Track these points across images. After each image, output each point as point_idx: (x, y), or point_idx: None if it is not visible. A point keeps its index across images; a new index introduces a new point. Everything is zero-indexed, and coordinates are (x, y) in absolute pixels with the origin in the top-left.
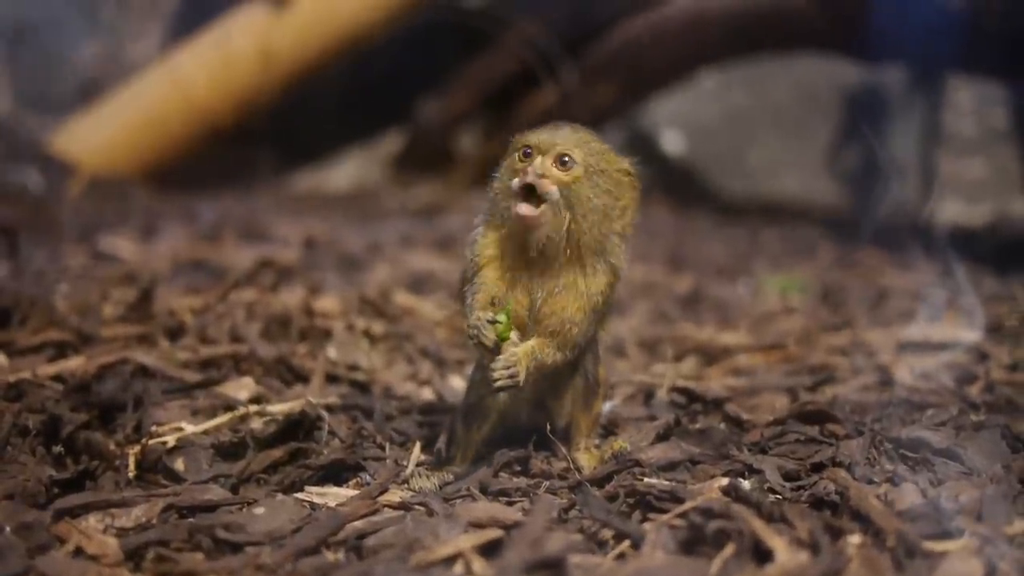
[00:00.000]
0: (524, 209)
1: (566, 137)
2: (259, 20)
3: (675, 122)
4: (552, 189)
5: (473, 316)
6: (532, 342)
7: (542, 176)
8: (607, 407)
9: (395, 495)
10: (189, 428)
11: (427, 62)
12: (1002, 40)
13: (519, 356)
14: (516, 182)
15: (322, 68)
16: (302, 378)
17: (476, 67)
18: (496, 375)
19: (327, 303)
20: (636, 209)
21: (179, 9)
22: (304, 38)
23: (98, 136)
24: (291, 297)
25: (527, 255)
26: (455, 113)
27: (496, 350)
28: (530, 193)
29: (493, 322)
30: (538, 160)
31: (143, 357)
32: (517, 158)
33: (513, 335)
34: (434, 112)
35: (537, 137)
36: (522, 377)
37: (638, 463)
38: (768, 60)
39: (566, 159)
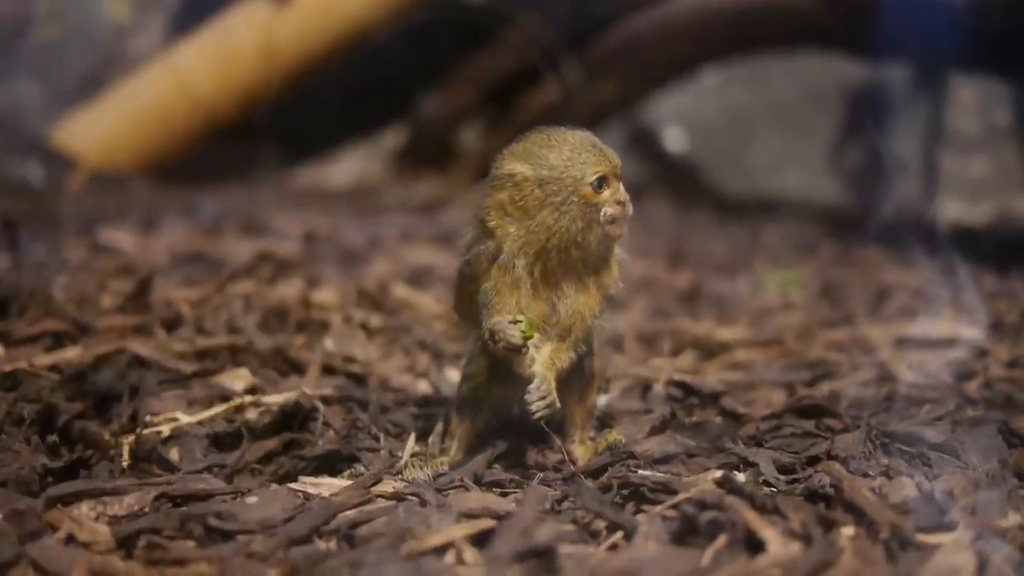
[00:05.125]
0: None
1: (605, 148)
2: (261, 15)
3: (677, 119)
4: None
5: (491, 321)
6: (547, 351)
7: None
8: (604, 400)
9: (388, 485)
10: (184, 418)
11: (428, 58)
12: (1005, 37)
13: (548, 378)
14: (612, 213)
15: (324, 63)
16: (298, 369)
17: (478, 63)
18: (534, 407)
19: (325, 295)
20: None
21: (181, 3)
22: (306, 33)
23: (99, 130)
24: (289, 289)
25: (566, 267)
26: (456, 109)
27: (525, 347)
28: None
29: (514, 322)
30: (620, 186)
31: (139, 347)
32: (591, 192)
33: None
34: (435, 108)
35: (603, 164)
36: (556, 396)
37: (632, 455)
38: (770, 57)
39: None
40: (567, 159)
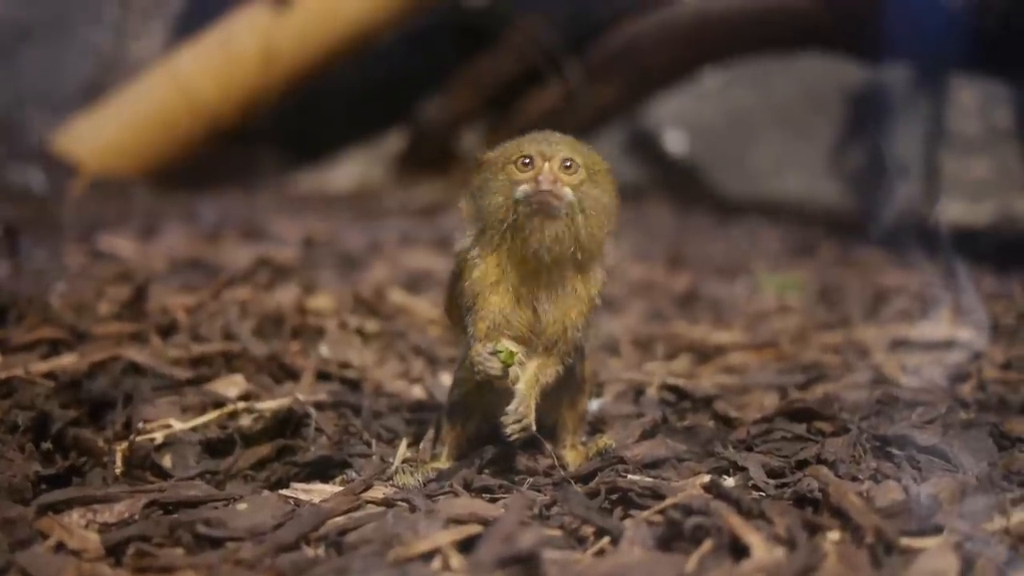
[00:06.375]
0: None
1: (561, 142)
2: (262, 20)
3: (677, 121)
4: (567, 191)
5: (473, 350)
6: (533, 368)
7: (554, 181)
8: (596, 405)
9: (379, 491)
10: (177, 425)
11: (429, 61)
12: (1006, 39)
13: (527, 399)
14: (526, 190)
15: (325, 68)
16: (293, 376)
17: (478, 66)
18: (509, 429)
19: (321, 301)
20: (618, 203)
21: (182, 9)
22: (307, 38)
23: (101, 136)
24: (285, 295)
25: (534, 266)
26: (457, 113)
27: (506, 375)
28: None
29: (494, 352)
30: (545, 167)
31: (135, 354)
32: (515, 168)
33: (519, 354)
34: (436, 112)
35: (535, 147)
36: (532, 418)
37: (622, 460)
38: (771, 59)
39: (569, 163)
40: (513, 144)
